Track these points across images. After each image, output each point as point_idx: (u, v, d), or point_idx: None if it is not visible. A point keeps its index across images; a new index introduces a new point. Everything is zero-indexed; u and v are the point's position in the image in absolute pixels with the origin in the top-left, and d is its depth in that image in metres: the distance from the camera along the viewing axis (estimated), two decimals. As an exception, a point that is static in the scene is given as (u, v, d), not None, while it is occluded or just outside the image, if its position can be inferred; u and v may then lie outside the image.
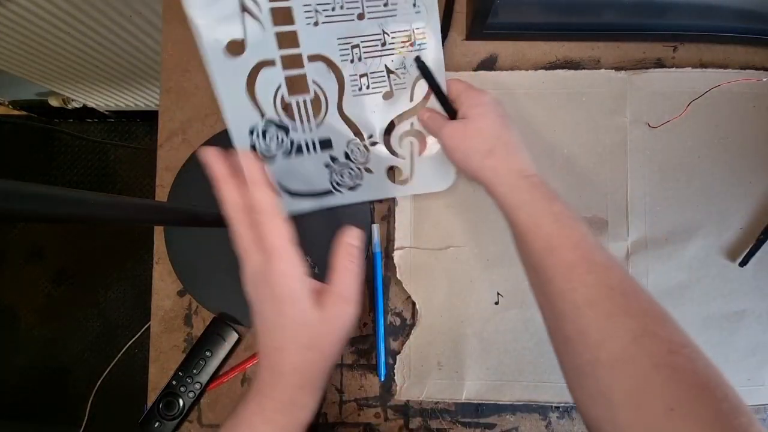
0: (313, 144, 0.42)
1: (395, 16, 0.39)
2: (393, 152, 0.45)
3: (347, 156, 0.43)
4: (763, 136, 0.45)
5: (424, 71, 0.41)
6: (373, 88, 0.42)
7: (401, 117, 0.44)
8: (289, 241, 0.31)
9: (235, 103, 0.39)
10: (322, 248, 0.47)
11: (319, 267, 0.47)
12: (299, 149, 0.42)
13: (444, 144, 0.40)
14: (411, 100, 0.43)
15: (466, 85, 0.40)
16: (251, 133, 0.40)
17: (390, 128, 0.44)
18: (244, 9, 0.36)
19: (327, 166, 0.43)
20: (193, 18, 0.35)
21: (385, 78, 0.42)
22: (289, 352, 0.31)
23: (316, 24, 0.38)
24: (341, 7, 0.38)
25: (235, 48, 0.37)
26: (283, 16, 0.37)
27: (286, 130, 0.41)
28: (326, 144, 0.43)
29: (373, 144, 0.44)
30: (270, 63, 0.39)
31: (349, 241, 0.35)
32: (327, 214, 0.47)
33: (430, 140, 0.45)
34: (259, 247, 0.31)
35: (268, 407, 0.30)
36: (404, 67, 0.41)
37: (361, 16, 0.39)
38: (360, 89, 0.42)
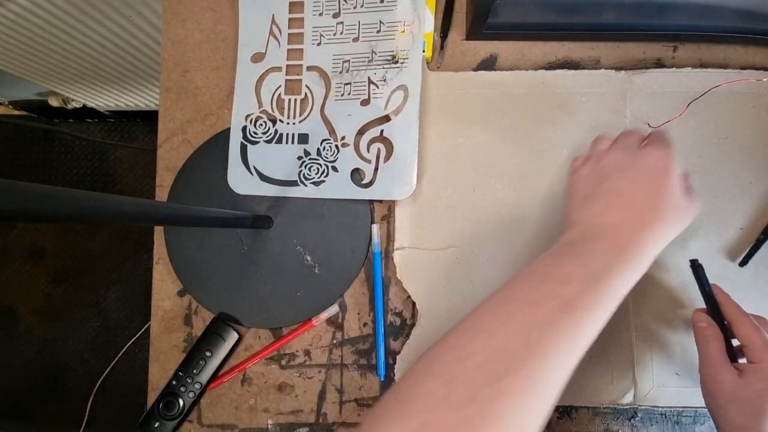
0: (293, 137, 0.48)
1: (385, 40, 0.47)
2: (360, 155, 0.47)
3: (319, 152, 0.47)
4: (763, 136, 0.45)
5: (699, 277, 0.42)
6: (354, 94, 0.47)
7: (373, 123, 0.47)
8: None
9: (244, 95, 0.49)
10: (321, 248, 0.47)
11: (319, 267, 0.47)
12: (280, 139, 0.48)
13: (705, 380, 0.37)
14: (385, 108, 0.47)
15: (762, 335, 0.36)
16: (246, 118, 0.48)
17: (362, 132, 0.47)
18: (271, 33, 0.49)
19: (299, 158, 0.47)
20: (240, 38, 0.49)
21: (366, 87, 0.47)
22: None
23: (319, 44, 0.48)
24: (341, 33, 0.48)
25: (258, 58, 0.49)
26: (295, 38, 0.49)
27: (274, 121, 0.48)
28: (303, 139, 0.48)
29: (345, 146, 0.47)
30: (277, 69, 0.49)
31: None
32: (327, 215, 0.47)
33: (396, 149, 0.46)
34: None
35: None
36: (384, 80, 0.47)
37: (355, 40, 0.48)
38: (342, 95, 0.48)
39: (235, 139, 0.48)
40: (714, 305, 0.39)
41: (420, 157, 0.46)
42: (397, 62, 0.47)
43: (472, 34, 0.47)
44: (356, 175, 0.47)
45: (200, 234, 0.48)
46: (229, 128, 0.48)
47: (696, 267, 0.41)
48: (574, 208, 0.36)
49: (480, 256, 0.45)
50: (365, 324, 0.47)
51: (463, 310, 0.45)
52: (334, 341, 0.47)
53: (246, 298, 0.47)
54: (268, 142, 0.48)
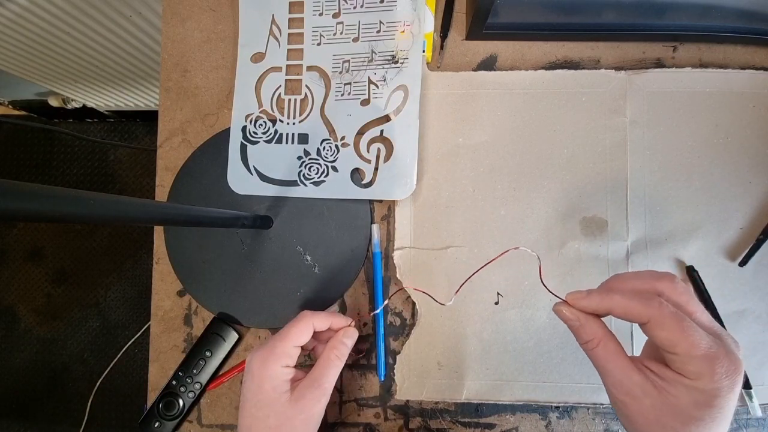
0: (293, 137, 0.48)
1: (385, 40, 0.47)
2: (360, 155, 0.47)
3: (318, 152, 0.47)
4: (763, 136, 0.45)
5: (697, 284, 0.42)
6: (354, 94, 0.47)
7: (373, 123, 0.47)
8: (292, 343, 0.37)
9: (244, 95, 0.49)
10: (321, 248, 0.47)
11: (319, 267, 0.47)
12: (280, 139, 0.48)
13: (617, 405, 0.29)
14: (385, 108, 0.46)
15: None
16: (246, 118, 0.48)
17: (362, 132, 0.47)
18: (271, 33, 0.49)
19: (299, 158, 0.47)
20: (240, 38, 0.49)
21: (366, 87, 0.47)
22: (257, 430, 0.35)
23: (318, 44, 0.48)
24: (341, 33, 0.48)
25: (258, 58, 0.49)
26: (295, 38, 0.49)
27: (274, 121, 0.48)
28: (303, 139, 0.48)
29: (345, 146, 0.47)
30: (277, 69, 0.49)
31: (343, 340, 0.38)
32: (327, 215, 0.47)
33: (396, 150, 0.46)
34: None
35: None
36: (384, 80, 0.47)
37: (355, 40, 0.47)
38: (342, 95, 0.47)
39: (235, 139, 0.48)
40: (714, 313, 0.39)
41: (420, 157, 0.46)
42: (397, 62, 0.47)
43: (472, 34, 0.47)
44: (356, 175, 0.47)
45: (200, 234, 0.48)
46: (229, 128, 0.48)
47: (692, 273, 0.41)
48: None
49: (480, 256, 0.45)
50: (365, 324, 0.47)
51: (463, 310, 0.46)
52: (334, 341, 0.47)
53: (246, 298, 0.47)
54: (268, 142, 0.48)
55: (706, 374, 0.25)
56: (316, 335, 0.39)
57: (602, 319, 0.30)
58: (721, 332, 0.27)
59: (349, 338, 0.39)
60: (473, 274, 0.35)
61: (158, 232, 0.49)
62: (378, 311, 0.46)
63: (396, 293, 0.47)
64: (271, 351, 0.36)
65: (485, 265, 0.34)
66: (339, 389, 0.47)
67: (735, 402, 0.26)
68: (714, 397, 0.25)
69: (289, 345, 0.36)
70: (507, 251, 0.34)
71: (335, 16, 0.48)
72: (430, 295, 0.36)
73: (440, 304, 0.41)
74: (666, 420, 0.26)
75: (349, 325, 0.39)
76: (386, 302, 0.46)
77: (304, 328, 0.37)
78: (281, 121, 0.48)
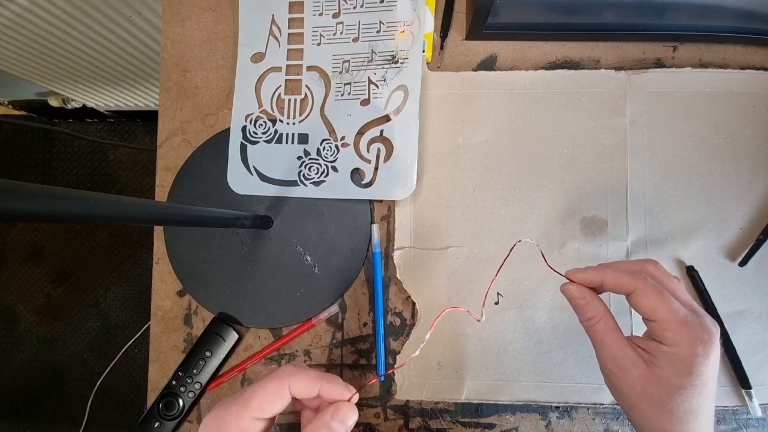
0: (293, 137, 0.48)
1: (385, 40, 0.47)
2: (360, 155, 0.47)
3: (318, 152, 0.47)
4: (763, 136, 0.45)
5: (697, 284, 0.43)
6: (354, 94, 0.47)
7: (373, 123, 0.47)
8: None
9: (244, 95, 0.49)
10: (321, 248, 0.47)
11: (319, 267, 0.47)
12: (279, 139, 0.48)
13: (608, 376, 0.31)
14: (385, 108, 0.46)
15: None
16: (246, 118, 0.48)
17: (362, 132, 0.47)
18: (271, 33, 0.49)
19: (299, 158, 0.47)
20: (240, 38, 0.49)
21: (366, 87, 0.47)
22: None
23: (318, 44, 0.48)
24: (341, 33, 0.48)
25: (258, 58, 0.49)
26: (295, 38, 0.49)
27: (274, 121, 0.48)
28: (303, 139, 0.48)
29: (345, 146, 0.47)
30: (277, 69, 0.49)
31: (343, 419, 0.28)
32: (327, 215, 0.47)
33: (396, 150, 0.46)
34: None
35: None
36: (384, 80, 0.47)
37: (355, 40, 0.48)
38: (342, 95, 0.47)
39: (235, 139, 0.48)
40: (714, 313, 0.39)
41: (420, 157, 0.46)
42: (397, 62, 0.47)
43: (472, 34, 0.47)
44: (356, 175, 0.47)
45: (200, 234, 0.48)
46: (229, 128, 0.49)
47: (692, 273, 0.41)
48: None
49: (480, 256, 0.46)
50: (365, 324, 0.47)
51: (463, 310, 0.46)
52: (334, 341, 0.47)
53: (246, 298, 0.47)
54: (268, 142, 0.48)
55: (683, 341, 0.28)
56: (300, 401, 0.30)
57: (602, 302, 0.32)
58: (698, 310, 0.30)
59: (346, 422, 0.28)
60: (492, 281, 0.35)
61: (158, 232, 0.49)
62: (378, 312, 0.46)
63: (400, 295, 0.47)
64: (220, 420, 0.26)
65: (500, 267, 0.34)
66: (339, 389, 0.47)
67: (712, 372, 0.28)
68: (691, 364, 0.28)
69: (246, 416, 0.26)
70: (513, 246, 0.34)
71: (335, 16, 0.48)
72: (468, 311, 0.35)
73: (477, 320, 0.39)
74: (652, 390, 0.29)
75: (349, 400, 0.29)
76: (420, 323, 0.46)
77: (275, 393, 0.27)
78: (281, 121, 0.48)
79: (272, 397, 0.27)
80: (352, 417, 0.28)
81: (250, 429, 0.27)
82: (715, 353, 0.28)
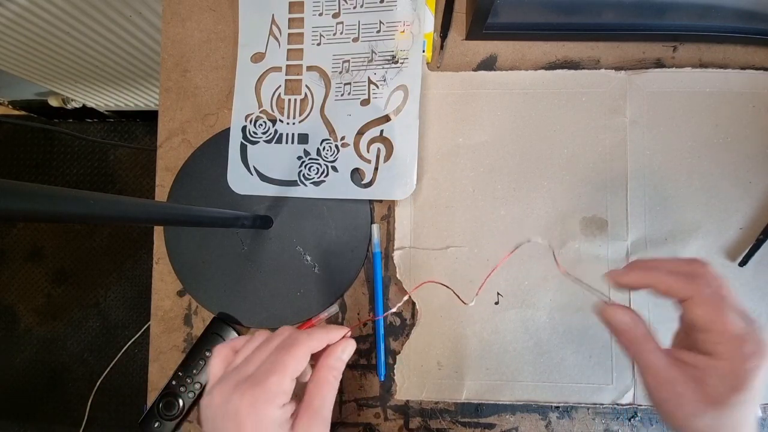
0: (293, 137, 0.48)
1: (385, 40, 0.47)
2: (360, 155, 0.47)
3: (318, 152, 0.47)
4: (763, 136, 0.45)
5: None
6: (354, 94, 0.47)
7: (373, 123, 0.47)
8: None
9: (244, 94, 0.49)
10: (321, 248, 0.47)
11: (319, 267, 0.47)
12: (279, 139, 0.48)
13: (659, 404, 0.29)
14: (385, 108, 0.46)
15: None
16: (246, 118, 0.48)
17: (362, 132, 0.47)
18: (271, 33, 0.49)
19: (299, 158, 0.47)
20: (240, 38, 0.49)
21: (366, 87, 0.47)
22: None
23: (318, 44, 0.48)
24: (341, 33, 0.48)
25: (258, 58, 0.49)
26: (295, 38, 0.49)
27: (274, 121, 0.48)
28: (303, 139, 0.48)
29: (344, 146, 0.47)
30: (277, 69, 0.49)
31: (342, 357, 0.32)
32: (327, 215, 0.47)
33: (396, 149, 0.46)
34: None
35: None
36: (384, 80, 0.47)
37: (355, 40, 0.48)
38: (342, 95, 0.47)
39: (235, 139, 0.48)
40: None
41: (420, 157, 0.46)
42: (397, 62, 0.47)
43: (472, 34, 0.47)
44: (356, 175, 0.47)
45: (200, 234, 0.48)
46: (229, 128, 0.49)
47: None
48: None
49: (480, 256, 0.46)
50: (365, 324, 0.47)
51: (463, 310, 0.46)
52: (334, 341, 0.47)
53: (246, 298, 0.47)
54: (268, 142, 0.48)
55: (736, 356, 0.26)
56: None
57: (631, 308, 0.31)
58: (751, 318, 0.28)
59: (346, 353, 0.33)
60: (492, 271, 0.35)
61: (158, 232, 0.49)
62: (379, 318, 0.46)
63: (400, 296, 0.47)
64: (263, 389, 0.28)
65: (502, 261, 0.34)
66: (339, 389, 0.47)
67: (761, 384, 0.26)
68: (745, 378, 0.26)
69: (286, 380, 0.29)
70: (520, 245, 0.34)
71: (335, 16, 0.48)
72: (453, 291, 0.34)
73: (464, 303, 0.40)
74: (706, 410, 0.27)
75: (345, 336, 0.33)
76: (392, 310, 0.46)
77: (302, 355, 0.30)
78: (281, 121, 0.48)
79: (300, 360, 0.30)
80: (352, 348, 0.33)
81: (288, 389, 0.29)
82: (766, 365, 0.26)
